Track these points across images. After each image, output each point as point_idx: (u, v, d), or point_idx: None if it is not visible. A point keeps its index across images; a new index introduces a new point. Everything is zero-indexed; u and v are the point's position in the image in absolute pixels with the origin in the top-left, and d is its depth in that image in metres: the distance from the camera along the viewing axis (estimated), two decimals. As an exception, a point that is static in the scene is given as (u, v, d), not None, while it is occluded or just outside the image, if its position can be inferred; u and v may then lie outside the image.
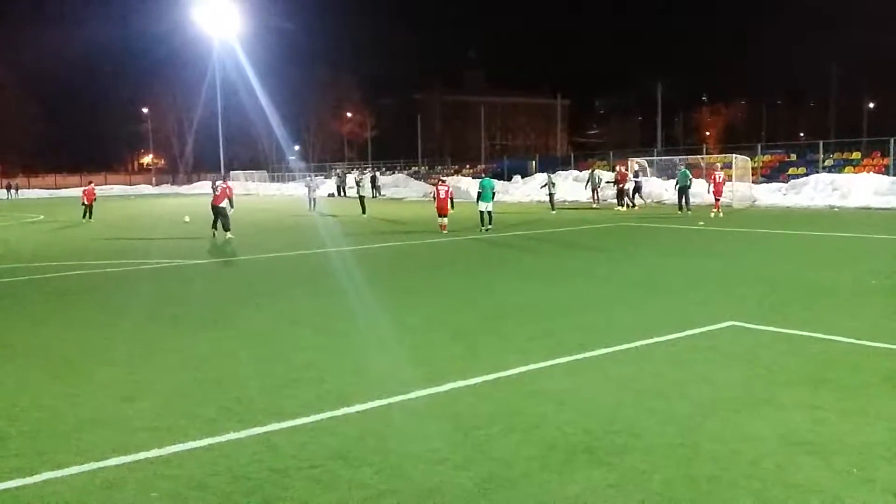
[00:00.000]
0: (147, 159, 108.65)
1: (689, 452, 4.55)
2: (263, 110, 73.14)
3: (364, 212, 29.09)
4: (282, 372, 6.52)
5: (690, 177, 28.04)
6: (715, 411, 5.26)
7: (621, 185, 29.67)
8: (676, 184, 27.91)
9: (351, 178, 59.41)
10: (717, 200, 25.72)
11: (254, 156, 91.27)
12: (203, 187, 74.57)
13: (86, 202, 29.30)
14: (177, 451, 4.76)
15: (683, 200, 27.18)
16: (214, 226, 20.62)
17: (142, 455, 4.69)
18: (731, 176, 31.62)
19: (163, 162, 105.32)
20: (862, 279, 10.93)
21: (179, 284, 12.37)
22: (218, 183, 21.88)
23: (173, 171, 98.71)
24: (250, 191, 68.04)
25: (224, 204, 20.26)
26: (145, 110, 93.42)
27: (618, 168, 32.41)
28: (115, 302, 10.62)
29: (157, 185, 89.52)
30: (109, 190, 78.60)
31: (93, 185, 30.98)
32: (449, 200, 20.16)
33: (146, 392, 6.04)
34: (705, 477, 4.19)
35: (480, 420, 5.17)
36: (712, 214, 24.45)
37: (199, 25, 67.86)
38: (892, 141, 35.68)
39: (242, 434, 5.01)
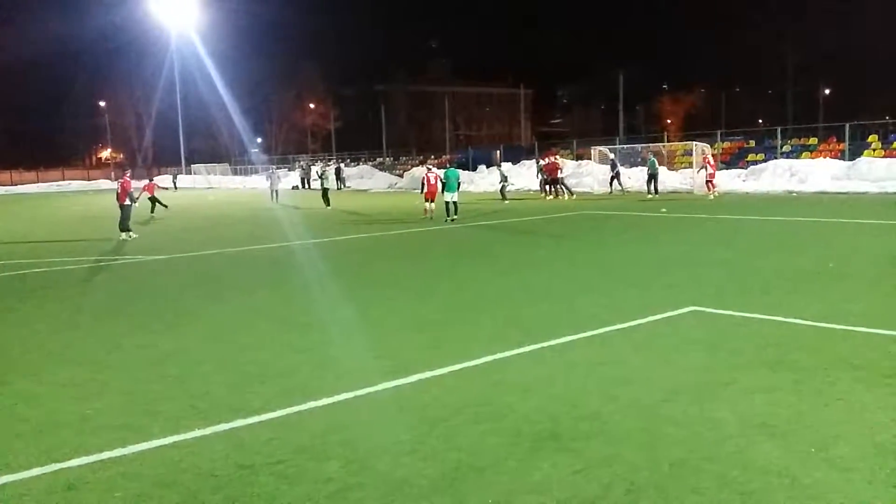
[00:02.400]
0: (105, 154, 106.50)
1: (652, 437, 4.62)
2: (224, 102, 72.11)
3: (328, 204, 28.91)
4: (246, 367, 6.46)
5: (657, 164, 29.65)
6: (677, 396, 5.35)
7: (553, 176, 30.60)
8: (647, 171, 29.74)
9: (315, 170, 59.12)
10: (712, 185, 27.68)
11: (215, 149, 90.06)
12: (163, 181, 73.43)
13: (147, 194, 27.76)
14: (140, 450, 4.70)
15: (652, 187, 29.02)
16: (121, 227, 18.97)
17: (105, 455, 4.62)
18: (692, 163, 32.17)
19: (122, 156, 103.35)
20: (820, 263, 11.17)
21: (141, 280, 12.18)
22: (140, 180, 20.83)
23: (132, 166, 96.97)
24: (212, 184, 67.24)
25: (127, 202, 18.91)
26: (102, 104, 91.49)
27: (548, 159, 33.10)
28: (75, 299, 10.42)
29: (115, 179, 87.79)
30: (67, 185, 77.09)
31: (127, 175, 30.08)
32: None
33: (108, 391, 5.95)
34: (668, 461, 4.27)
35: (446, 411, 5.19)
36: (712, 197, 26.81)
37: (157, 16, 66.79)
38: (846, 127, 36.47)
39: (207, 431, 4.97)
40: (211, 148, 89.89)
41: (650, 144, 39.69)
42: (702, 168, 28.94)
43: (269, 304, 9.52)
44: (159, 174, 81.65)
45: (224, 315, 8.86)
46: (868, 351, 6.29)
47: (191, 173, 73.62)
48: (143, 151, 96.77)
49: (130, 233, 18.94)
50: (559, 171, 30.91)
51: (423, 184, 21.89)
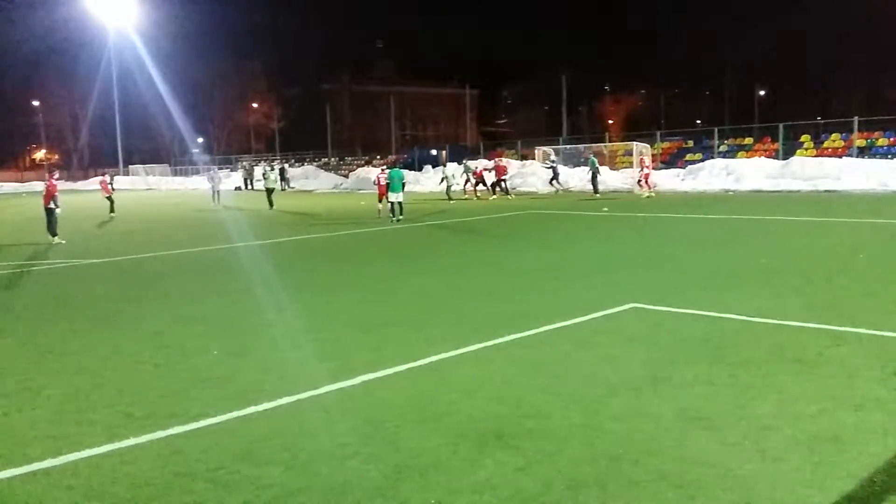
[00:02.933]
0: (40, 154, 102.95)
1: (593, 433, 4.69)
2: (164, 101, 70.43)
3: (271, 206, 28.57)
4: (185, 373, 6.33)
5: (597, 164, 30.50)
6: (617, 391, 5.44)
7: (500, 177, 31.34)
8: (588, 171, 30.71)
9: (259, 171, 58.25)
10: (647, 184, 28.52)
11: (154, 149, 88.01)
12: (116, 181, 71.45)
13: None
14: (73, 460, 4.55)
15: (593, 186, 29.92)
16: (49, 230, 18.24)
17: (35, 466, 4.47)
18: (633, 163, 32.83)
19: (56, 157, 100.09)
20: (753, 259, 11.50)
21: (75, 285, 11.81)
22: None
23: (68, 167, 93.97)
24: (151, 185, 65.66)
25: (51, 205, 18.24)
26: (36, 103, 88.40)
27: (496, 161, 34.07)
28: (6, 305, 10.04)
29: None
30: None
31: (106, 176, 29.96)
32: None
33: (40, 399, 5.75)
34: (608, 456, 4.34)
35: (390, 412, 5.17)
36: (646, 195, 27.44)
37: (94, 14, 64.84)
38: (780, 127, 37.69)
39: (143, 439, 4.85)
40: (150, 148, 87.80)
41: (592, 145, 40.36)
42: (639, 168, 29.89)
43: (209, 307, 9.34)
44: (95, 175, 79.34)
45: (162, 320, 8.65)
46: (800, 344, 6.50)
47: (129, 174, 71.67)
48: (79, 152, 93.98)
49: (57, 237, 18.28)
50: (504, 173, 31.55)
51: (375, 184, 23.16)
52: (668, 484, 3.95)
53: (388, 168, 23.24)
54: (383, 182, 21.79)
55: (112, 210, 27.32)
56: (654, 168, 35.13)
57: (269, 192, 29.66)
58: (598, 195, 29.04)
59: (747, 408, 5.02)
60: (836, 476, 3.97)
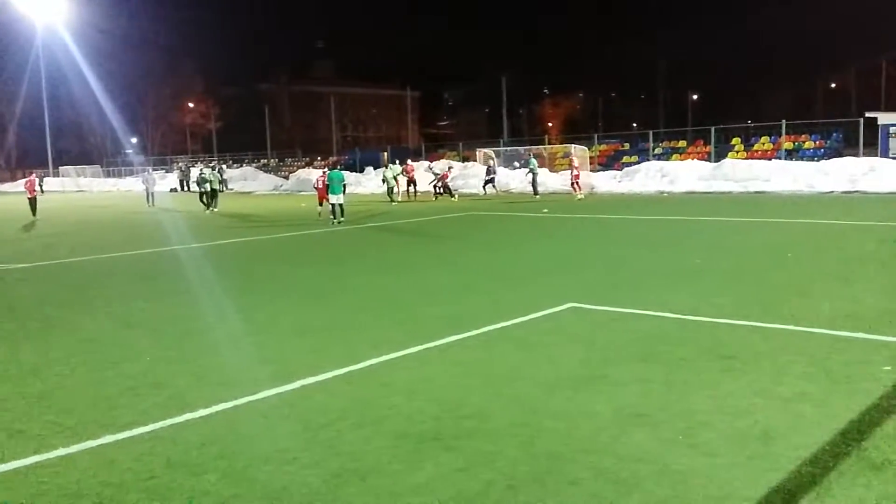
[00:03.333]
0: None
1: (532, 431, 4.73)
2: (96, 100, 68.36)
3: (207, 208, 28.03)
4: (116, 380, 6.14)
5: (536, 165, 31.15)
6: (556, 390, 5.50)
7: (410, 177, 31.85)
8: (527, 173, 31.13)
9: (195, 172, 57.01)
10: (578, 186, 28.66)
11: (86, 149, 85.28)
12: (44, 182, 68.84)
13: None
14: (0, 471, 4.37)
15: (533, 188, 30.37)
16: None
17: (-45, 480, 4.27)
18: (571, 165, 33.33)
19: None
20: (687, 259, 11.80)
21: (1, 290, 11.35)
22: None
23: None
24: (82, 187, 63.62)
25: None
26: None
27: (408, 162, 34.39)
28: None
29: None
30: (-83, 190, 70.81)
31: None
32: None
33: (-40, 411, 5.50)
34: (546, 454, 4.38)
35: (330, 416, 5.11)
36: (579, 197, 27.51)
37: (20, 9, 62.39)
38: (712, 130, 38.80)
39: (73, 449, 4.68)
40: (81, 149, 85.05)
41: (532, 147, 40.84)
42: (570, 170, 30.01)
43: (143, 312, 9.08)
44: (24, 177, 76.36)
45: (94, 326, 8.38)
46: (732, 341, 6.69)
47: (59, 175, 69.25)
48: (6, 152, 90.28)
49: None
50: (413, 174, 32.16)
51: (315, 188, 23.12)
52: (606, 480, 4.02)
53: (328, 170, 23.07)
54: (322, 185, 21.73)
55: (34, 213, 26.34)
56: (592, 170, 35.78)
57: (207, 193, 28.79)
58: (537, 197, 29.39)
59: (681, 404, 5.14)
60: (767, 469, 4.09)
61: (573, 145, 35.59)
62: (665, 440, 4.53)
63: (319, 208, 22.39)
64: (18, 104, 78.50)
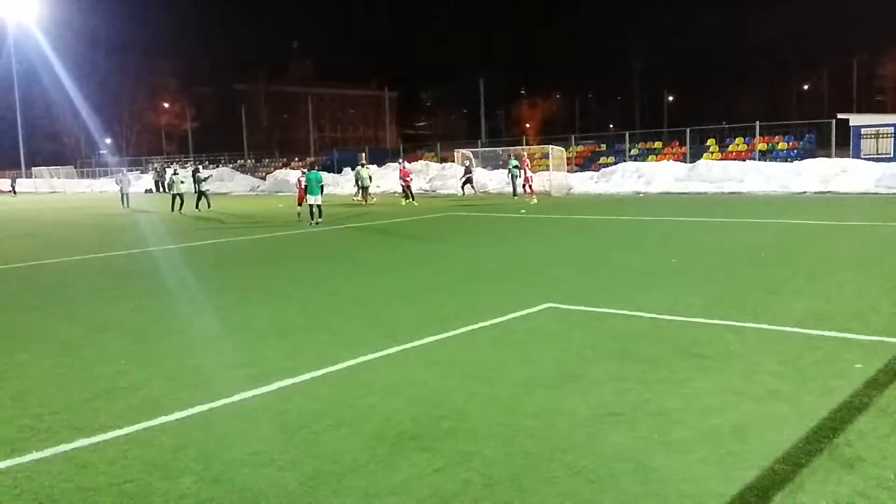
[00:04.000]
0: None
1: (509, 431, 4.75)
2: (69, 101, 67.55)
3: (172, 210, 27.66)
4: (90, 383, 6.07)
5: (518, 166, 30.99)
6: (533, 390, 5.54)
7: (406, 181, 30.96)
8: (509, 173, 31.55)
9: (170, 173, 56.46)
10: (530, 188, 28.43)
11: (59, 150, 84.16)
12: (2, 185, 67.75)
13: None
14: (-33, 478, 4.31)
15: (513, 188, 30.72)
16: None
17: (-76, 486, 4.20)
18: (549, 165, 33.48)
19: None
20: (663, 259, 11.91)
21: (-29, 294, 11.17)
22: None
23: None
24: (56, 188, 62.82)
25: None
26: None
27: (404, 165, 33.87)
28: None
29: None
30: None
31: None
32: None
33: (-70, 416, 5.41)
34: (523, 453, 4.41)
35: (307, 418, 5.10)
36: (533, 202, 26.54)
37: (-11, 7, 61.43)
38: (688, 131, 39.16)
39: (47, 453, 4.63)
40: (55, 149, 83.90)
41: (510, 148, 40.96)
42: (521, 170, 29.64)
43: (118, 314, 8.99)
44: (-5, 178, 75.16)
45: (67, 328, 8.28)
46: (706, 340, 6.76)
47: (32, 176, 68.27)
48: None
49: None
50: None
51: (297, 188, 22.91)
52: (582, 479, 4.05)
53: (303, 172, 22.98)
54: (303, 184, 21.66)
55: None
56: (569, 171, 35.97)
57: (177, 196, 28.30)
58: (516, 197, 29.53)
59: (656, 403, 5.19)
60: (740, 466, 4.14)
61: (551, 146, 35.72)
62: (640, 438, 4.58)
63: (298, 209, 22.36)
64: (-11, 104, 77.32)
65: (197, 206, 27.97)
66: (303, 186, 21.65)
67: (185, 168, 55.32)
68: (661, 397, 5.29)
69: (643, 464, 4.21)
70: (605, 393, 5.41)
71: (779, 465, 4.14)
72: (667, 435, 4.61)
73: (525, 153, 33.02)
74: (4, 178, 69.36)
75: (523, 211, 22.87)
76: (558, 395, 5.40)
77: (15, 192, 56.91)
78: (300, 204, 22.25)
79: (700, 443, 4.48)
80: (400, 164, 33.99)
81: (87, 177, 68.17)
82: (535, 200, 27.07)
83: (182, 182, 29.51)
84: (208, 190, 29.24)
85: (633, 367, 6.01)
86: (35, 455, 4.60)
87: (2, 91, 71.10)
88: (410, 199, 29.61)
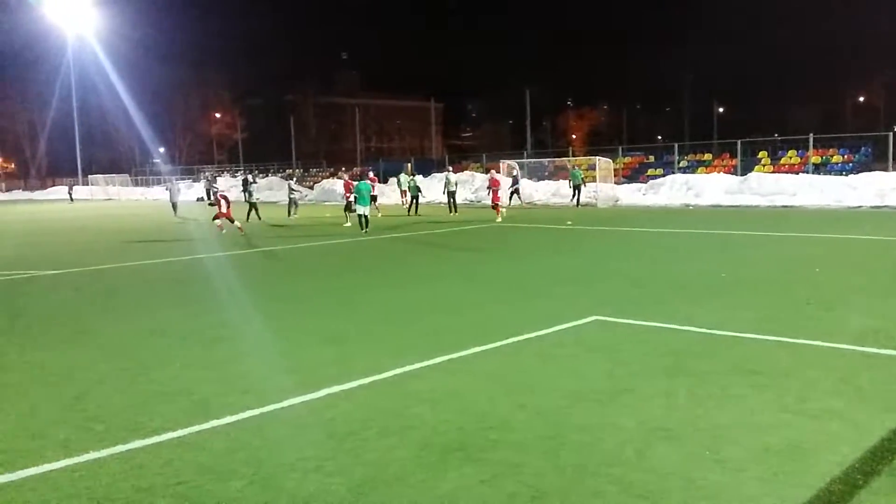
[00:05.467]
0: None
1: (556, 444, 4.73)
2: (125, 110, 69.55)
3: (253, 217, 27.23)
4: (146, 386, 6.23)
5: (581, 176, 32.17)
6: (580, 403, 5.50)
7: (347, 196, 26.43)
8: (570, 183, 32.47)
9: (222, 182, 57.53)
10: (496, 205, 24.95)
11: (115, 158, 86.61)
12: (60, 192, 69.98)
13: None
14: (30, 475, 4.45)
15: (576, 198, 31.58)
16: None
17: (-11, 482, 4.36)
18: (596, 177, 33.24)
19: (13, 166, 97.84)
20: (713, 273, 11.71)
21: (34, 296, 11.56)
22: None
23: (25, 176, 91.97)
24: (111, 196, 64.59)
25: None
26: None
27: (493, 173, 33.32)
28: (-42, 318, 9.78)
29: (6, 190, 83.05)
30: (-49, 196, 72.42)
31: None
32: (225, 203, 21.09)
33: (-6, 414, 5.61)
34: (571, 466, 4.38)
35: (355, 425, 5.15)
36: (500, 219, 23.98)
37: (52, 20, 63.72)
38: (738, 143, 38.50)
39: (103, 453, 4.76)
40: (110, 158, 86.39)
41: (555, 159, 40.83)
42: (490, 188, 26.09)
43: (173, 319, 9.20)
44: (54, 185, 77.64)
45: (124, 331, 8.51)
46: (758, 356, 6.63)
47: (88, 184, 70.37)
48: (37, 161, 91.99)
49: None
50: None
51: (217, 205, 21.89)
52: (631, 494, 4.00)
53: (347, 177, 23.14)
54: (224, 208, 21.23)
55: None
56: (616, 183, 35.65)
57: (253, 205, 28.23)
58: (579, 206, 30.59)
59: (707, 419, 5.11)
60: (794, 486, 4.05)
61: (598, 157, 35.48)
62: (691, 455, 4.51)
63: (347, 222, 22.48)
64: (49, 113, 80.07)
65: (248, 218, 27.90)
66: (350, 194, 21.81)
67: (236, 177, 56.43)
68: (712, 413, 5.20)
69: (694, 481, 4.15)
70: (655, 408, 5.34)
71: (835, 485, 4.04)
72: (718, 452, 4.53)
73: (569, 164, 32.69)
74: (62, 185, 71.79)
75: (569, 222, 22.73)
76: (606, 409, 5.35)
77: (72, 199, 58.76)
78: (349, 209, 22.00)
79: (753, 461, 4.40)
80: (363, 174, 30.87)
81: (141, 185, 70.01)
82: (499, 220, 23.89)
83: (260, 189, 29.79)
84: (258, 199, 29.53)
85: (683, 382, 5.93)
86: (92, 455, 4.73)
87: (61, 100, 73.55)
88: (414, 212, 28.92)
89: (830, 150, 37.47)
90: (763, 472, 4.25)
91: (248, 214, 27.57)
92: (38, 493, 4.20)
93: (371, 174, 31.72)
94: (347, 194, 24.99)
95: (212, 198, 21.07)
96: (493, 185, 25.64)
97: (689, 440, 4.73)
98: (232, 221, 21.54)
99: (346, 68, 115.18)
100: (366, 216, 20.75)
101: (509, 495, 4.03)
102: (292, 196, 30.10)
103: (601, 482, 4.15)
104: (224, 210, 21.25)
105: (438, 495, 4.06)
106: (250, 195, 29.52)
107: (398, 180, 31.84)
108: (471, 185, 39.63)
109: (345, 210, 25.08)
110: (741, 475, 4.21)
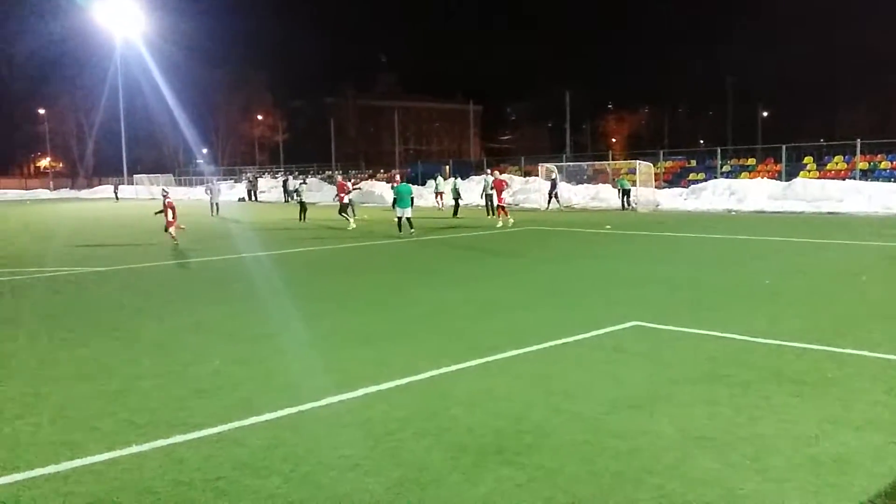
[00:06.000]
0: (44, 162, 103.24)
1: (593, 449, 4.69)
2: (169, 112, 70.95)
3: (302, 219, 27.24)
4: (186, 382, 6.34)
5: (628, 184, 32.13)
6: (618, 409, 5.44)
7: (340, 197, 25.26)
8: (619, 188, 32.53)
9: (263, 183, 58.40)
10: (500, 208, 23.97)
11: (159, 159, 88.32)
12: (105, 191, 71.60)
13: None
14: (75, 466, 4.56)
15: (625, 202, 31.70)
16: None
17: (36, 472, 4.47)
18: (636, 181, 32.91)
19: (61, 165, 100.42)
20: (756, 279, 11.51)
21: (77, 293, 11.84)
22: None
23: (72, 175, 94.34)
24: (155, 195, 65.80)
25: None
26: (42, 111, 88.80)
27: (339, 178, 31.62)
28: (8, 312, 10.07)
29: (55, 189, 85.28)
30: (3, 195, 74.49)
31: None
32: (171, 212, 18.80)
33: (41, 405, 5.76)
34: (609, 473, 4.33)
35: (392, 425, 5.17)
36: (500, 224, 23.26)
37: (101, 23, 65.31)
38: (783, 148, 37.81)
39: (145, 447, 4.85)
40: (155, 158, 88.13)
41: (594, 162, 40.53)
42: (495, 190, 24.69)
43: (213, 317, 9.35)
44: (101, 184, 79.48)
45: (166, 329, 8.68)
46: (802, 366, 6.50)
47: (133, 184, 71.90)
48: (85, 160, 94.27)
49: None
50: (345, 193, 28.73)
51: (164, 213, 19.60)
52: (670, 503, 3.95)
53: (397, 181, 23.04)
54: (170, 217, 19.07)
55: None
56: (657, 187, 35.26)
57: (303, 204, 28.52)
58: (626, 209, 30.96)
59: (748, 428, 5.02)
60: (838, 498, 3.96)
61: (639, 161, 35.16)
62: (732, 464, 4.43)
63: (352, 225, 22.22)
64: (97, 115, 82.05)
65: (300, 218, 27.78)
66: (345, 195, 21.81)
67: (276, 178, 57.09)
68: (754, 423, 5.11)
69: (734, 491, 4.08)
70: (695, 416, 5.26)
71: (881, 499, 3.94)
72: (760, 462, 4.45)
73: (497, 174, 29.68)
74: (108, 184, 73.45)
75: (608, 227, 22.53)
76: (645, 416, 5.29)
77: (117, 198, 60.10)
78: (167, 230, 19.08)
79: (796, 472, 4.31)
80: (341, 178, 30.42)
81: (185, 184, 71.27)
82: (500, 224, 23.12)
83: (310, 191, 29.79)
84: (305, 200, 29.33)
85: (724, 390, 5.83)
86: (134, 449, 4.83)
87: (108, 101, 75.26)
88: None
89: (879, 155, 36.60)
90: (806, 483, 4.16)
91: (301, 215, 27.71)
92: (84, 485, 4.30)
93: (398, 177, 30.39)
94: (342, 195, 24.73)
95: (163, 205, 18.45)
96: (497, 187, 24.40)
97: (729, 449, 4.65)
98: (167, 230, 19.15)
99: (385, 71, 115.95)
100: (408, 218, 20.76)
101: (545, 500, 4.01)
102: (347, 199, 28.49)
103: (639, 490, 4.11)
104: (171, 219, 19.00)
105: (475, 498, 4.06)
106: (300, 195, 29.47)
107: (436, 183, 31.80)
108: (508, 187, 39.49)
109: (339, 212, 24.67)
110: (783, 486, 4.13)
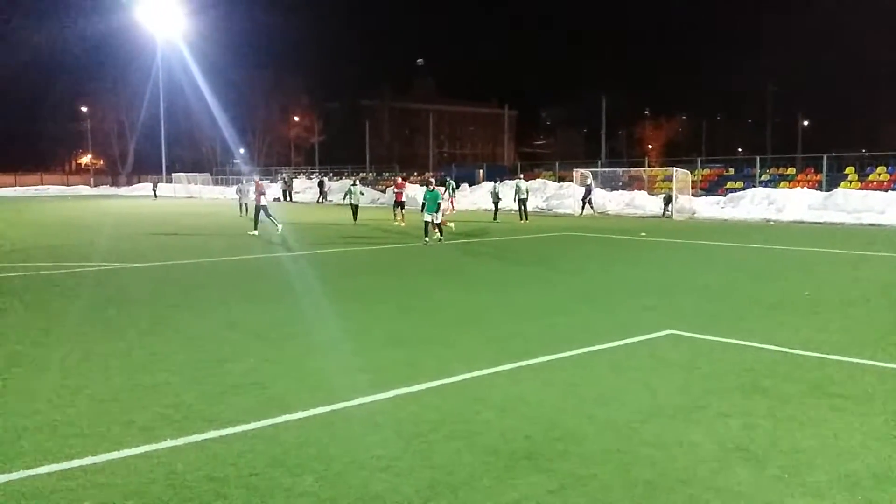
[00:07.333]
0: (85, 159, 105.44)
1: (627, 458, 4.63)
2: (208, 112, 71.84)
3: (356, 219, 27.22)
4: (221, 378, 6.40)
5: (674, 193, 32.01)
6: (653, 417, 5.37)
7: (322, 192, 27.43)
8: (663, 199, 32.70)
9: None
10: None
11: (197, 158, 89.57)
12: (144, 189, 72.87)
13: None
14: (111, 458, 4.63)
15: (667, 209, 31.53)
16: None
17: (74, 463, 4.55)
18: (672, 188, 32.55)
19: (102, 162, 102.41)
20: (795, 291, 11.29)
21: (116, 288, 12.04)
22: None
23: (112, 172, 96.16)
24: (192, 193, 66.83)
25: None
26: (84, 109, 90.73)
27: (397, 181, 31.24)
28: (50, 305, 10.27)
29: (95, 186, 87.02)
30: (45, 190, 76.22)
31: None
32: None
33: (79, 398, 5.86)
34: (642, 482, 4.27)
35: (423, 427, 5.16)
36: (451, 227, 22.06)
37: (143, 24, 66.57)
38: (824, 158, 37.10)
39: (180, 441, 4.91)
40: (193, 157, 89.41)
41: (630, 169, 40.22)
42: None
43: (247, 315, 9.44)
44: (140, 182, 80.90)
45: (201, 325, 8.78)
46: (843, 379, 6.35)
47: (171, 182, 73.09)
48: (125, 158, 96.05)
49: None
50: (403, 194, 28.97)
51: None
52: (705, 514, 3.88)
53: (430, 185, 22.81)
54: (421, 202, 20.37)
55: None
56: (693, 195, 34.83)
57: (355, 207, 28.19)
58: (668, 216, 30.67)
59: (787, 441, 4.92)
60: (880, 516, 3.86)
61: (675, 168, 34.77)
62: (769, 477, 4.34)
63: (439, 230, 20.01)
64: (139, 114, 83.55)
65: (355, 219, 27.57)
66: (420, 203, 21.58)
67: (311, 179, 57.58)
68: (792, 436, 5.00)
69: (772, 504, 3.99)
70: (732, 427, 5.17)
71: (925, 519, 3.83)
72: (799, 476, 4.35)
73: (646, 175, 32.11)
74: (147, 182, 74.78)
75: (643, 234, 22.31)
76: (680, 426, 5.21)
77: (156, 196, 61.16)
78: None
79: (835, 487, 4.21)
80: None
81: (221, 184, 72.20)
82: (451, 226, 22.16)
83: (362, 193, 29.58)
84: (321, 201, 29.30)
85: (762, 402, 5.72)
86: (169, 442, 4.89)
87: (149, 101, 76.63)
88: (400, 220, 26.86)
89: (923, 167, 35.71)
90: (846, 499, 4.06)
91: (355, 215, 27.65)
92: (119, 477, 4.36)
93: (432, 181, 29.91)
94: (398, 193, 28.03)
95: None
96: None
97: (767, 462, 4.56)
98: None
99: (421, 74, 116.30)
100: (437, 224, 20.67)
101: (578, 507, 3.96)
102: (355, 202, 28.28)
103: (674, 499, 4.04)
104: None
105: (506, 503, 4.03)
106: (352, 196, 29.13)
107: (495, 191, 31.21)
108: (542, 193, 39.39)
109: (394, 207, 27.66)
110: (822, 501, 4.03)
